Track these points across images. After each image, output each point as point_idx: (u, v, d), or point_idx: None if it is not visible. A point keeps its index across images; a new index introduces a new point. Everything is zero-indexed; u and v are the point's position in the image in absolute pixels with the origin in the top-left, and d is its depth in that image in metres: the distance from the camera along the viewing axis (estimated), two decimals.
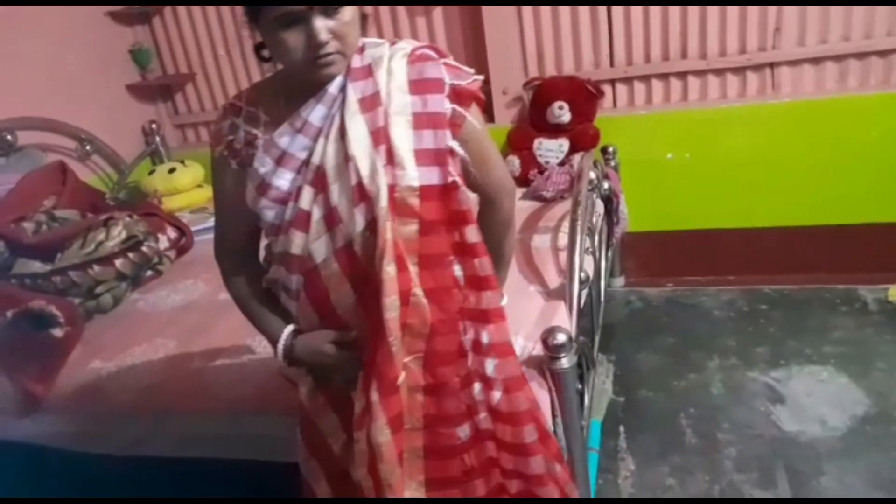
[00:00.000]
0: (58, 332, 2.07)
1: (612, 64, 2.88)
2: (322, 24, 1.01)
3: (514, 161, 2.86)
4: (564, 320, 1.76)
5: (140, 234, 2.48)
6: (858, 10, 2.54)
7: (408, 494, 1.19)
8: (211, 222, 2.83)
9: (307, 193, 1.11)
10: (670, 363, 2.53)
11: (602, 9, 2.79)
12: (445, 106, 1.10)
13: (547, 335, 1.55)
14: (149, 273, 2.53)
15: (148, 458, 1.92)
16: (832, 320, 2.61)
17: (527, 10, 2.86)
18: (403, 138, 1.09)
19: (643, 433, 2.22)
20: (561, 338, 1.55)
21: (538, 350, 1.60)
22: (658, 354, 2.59)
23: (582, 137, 2.82)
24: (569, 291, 1.83)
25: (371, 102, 1.09)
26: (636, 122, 2.89)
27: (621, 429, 2.25)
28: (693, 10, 2.69)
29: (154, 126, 3.47)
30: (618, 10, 2.78)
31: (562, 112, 2.80)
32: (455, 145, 1.11)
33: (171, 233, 2.73)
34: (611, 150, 2.80)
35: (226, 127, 1.16)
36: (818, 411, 2.17)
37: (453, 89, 1.11)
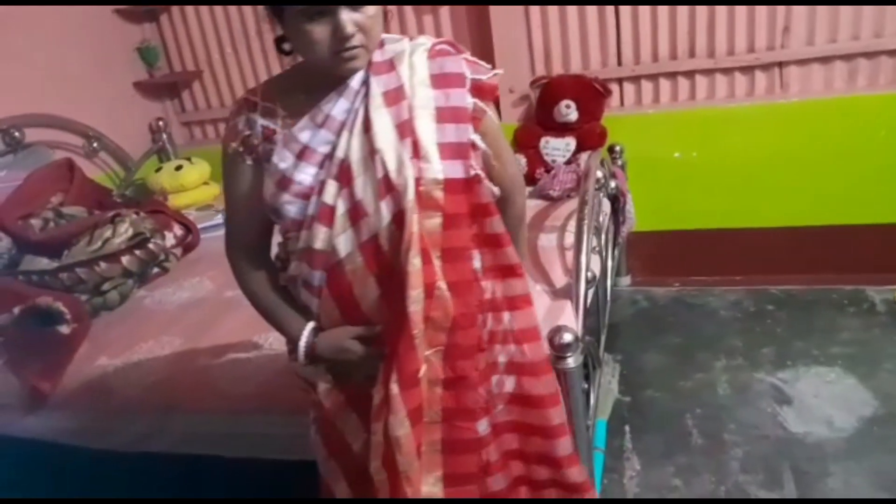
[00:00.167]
0: (65, 329, 2.07)
1: (619, 62, 2.87)
2: (348, 17, 1.02)
3: (521, 160, 2.85)
4: (570, 320, 1.76)
5: (147, 231, 2.48)
6: (868, 9, 2.52)
7: (425, 489, 1.19)
8: (217, 220, 2.88)
9: (331, 187, 1.11)
10: (676, 363, 2.52)
11: (610, 7, 2.78)
12: (467, 100, 1.12)
13: (553, 334, 1.54)
14: (155, 270, 2.54)
15: (153, 454, 1.93)
16: (839, 321, 2.60)
17: (534, 8, 2.85)
18: (428, 132, 1.10)
19: (649, 433, 2.21)
20: (567, 337, 1.55)
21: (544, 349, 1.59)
22: (664, 354, 2.58)
23: (589, 136, 2.82)
24: (575, 291, 1.83)
25: (395, 96, 1.10)
26: (643, 121, 2.88)
27: (627, 428, 2.25)
28: (701, 8, 2.68)
29: (161, 123, 3.48)
30: (626, 8, 2.76)
31: (569, 111, 2.80)
32: (477, 139, 1.13)
33: (178, 230, 2.73)
34: (618, 148, 2.79)
35: (241, 122, 1.16)
36: (825, 412, 2.16)
37: (474, 84, 1.13)
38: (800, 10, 2.58)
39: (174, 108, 3.65)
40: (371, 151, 1.08)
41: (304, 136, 1.12)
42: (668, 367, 2.51)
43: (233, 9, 3.27)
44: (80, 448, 2.00)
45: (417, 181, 1.08)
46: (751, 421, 2.18)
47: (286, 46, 1.12)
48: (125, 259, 2.38)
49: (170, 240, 2.65)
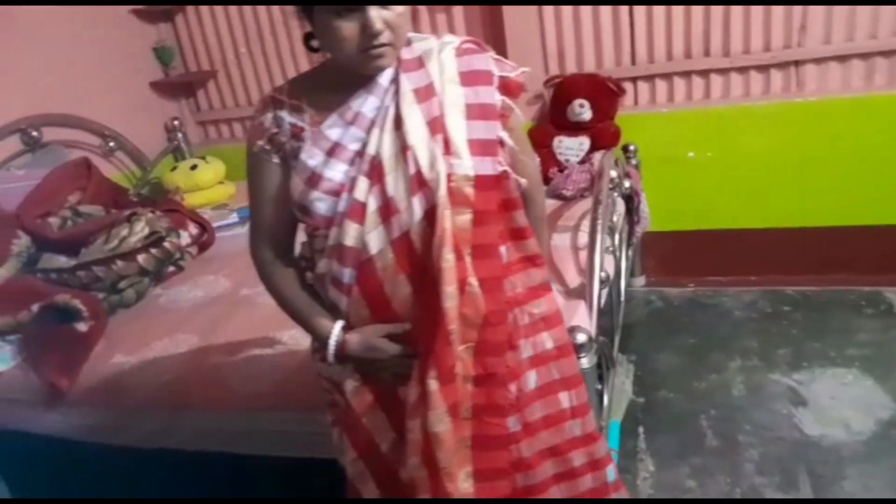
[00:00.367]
0: (82, 327, 2.09)
1: (633, 61, 2.86)
2: (377, 14, 1.02)
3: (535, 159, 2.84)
4: (584, 320, 1.75)
5: (162, 229, 2.50)
6: (886, 8, 2.49)
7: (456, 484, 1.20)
8: (232, 219, 2.90)
9: (362, 184, 1.11)
10: (691, 364, 2.51)
11: (624, 6, 2.76)
12: (496, 97, 1.14)
13: (570, 340, 1.54)
14: (170, 268, 2.55)
15: (168, 450, 1.95)
16: (856, 322, 2.57)
17: (548, 7, 2.84)
18: (458, 128, 1.11)
19: (663, 434, 2.20)
20: (581, 338, 1.55)
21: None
22: (678, 355, 2.57)
23: (603, 135, 2.80)
24: (589, 291, 1.82)
25: (426, 93, 1.12)
26: (658, 121, 2.86)
27: (640, 429, 2.24)
28: (717, 7, 2.66)
29: (176, 123, 3.51)
30: (640, 7, 2.75)
31: (582, 110, 2.79)
32: (505, 136, 1.15)
33: (193, 229, 2.75)
34: (632, 148, 2.77)
35: (268, 120, 1.16)
36: (842, 414, 2.14)
37: (501, 81, 1.15)
38: (817, 9, 2.56)
39: (189, 108, 3.68)
40: (403, 148, 1.09)
41: (334, 133, 1.12)
42: (683, 367, 2.50)
43: (247, 9, 3.30)
44: (95, 444, 2.02)
45: (449, 177, 1.09)
46: (766, 422, 2.17)
47: (314, 43, 1.13)
48: (141, 257, 2.40)
49: (185, 238, 2.67)
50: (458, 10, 2.96)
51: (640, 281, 3.09)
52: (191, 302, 2.34)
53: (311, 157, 1.12)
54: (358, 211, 1.11)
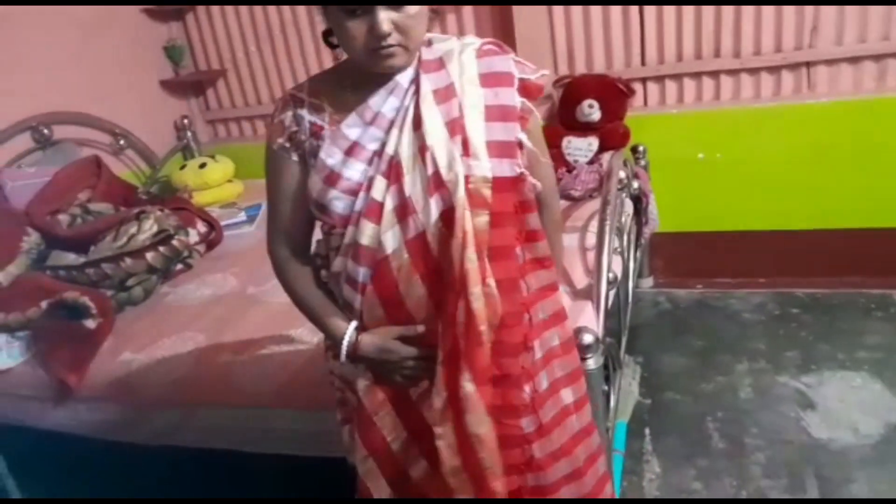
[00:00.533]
0: (90, 324, 2.11)
1: (643, 62, 2.85)
2: (385, 16, 1.02)
3: None
4: (591, 321, 1.75)
5: (171, 227, 2.51)
6: None
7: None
8: (240, 217, 2.91)
9: (380, 183, 1.11)
10: (698, 366, 2.50)
11: (634, 7, 2.76)
12: (516, 99, 1.15)
13: (573, 335, 1.53)
14: (179, 266, 2.57)
15: (176, 447, 1.96)
16: (866, 325, 2.55)
17: (557, 7, 2.84)
18: (477, 130, 1.11)
19: (669, 436, 2.20)
20: (588, 338, 1.54)
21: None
22: (686, 357, 2.56)
23: (611, 136, 2.79)
24: (596, 292, 1.82)
25: (445, 94, 1.12)
26: (667, 122, 2.85)
27: (647, 431, 2.23)
28: (727, 8, 2.64)
29: (186, 121, 3.53)
30: (650, 7, 2.74)
31: (591, 110, 2.78)
32: (524, 138, 1.15)
33: (201, 227, 2.76)
34: (641, 149, 2.77)
35: (287, 118, 1.16)
36: (850, 418, 2.12)
37: (521, 83, 1.15)
38: (828, 10, 2.54)
39: (199, 106, 3.70)
40: (421, 148, 1.10)
41: (353, 132, 1.13)
42: (690, 369, 2.49)
43: (257, 8, 3.30)
44: (104, 440, 2.03)
45: (467, 178, 1.09)
46: (773, 425, 2.15)
47: (333, 40, 1.13)
48: (150, 255, 2.41)
49: (193, 236, 2.68)
50: (468, 10, 2.96)
51: (648, 282, 3.08)
52: (198, 300, 2.35)
53: (330, 155, 1.13)
54: (375, 210, 1.12)
